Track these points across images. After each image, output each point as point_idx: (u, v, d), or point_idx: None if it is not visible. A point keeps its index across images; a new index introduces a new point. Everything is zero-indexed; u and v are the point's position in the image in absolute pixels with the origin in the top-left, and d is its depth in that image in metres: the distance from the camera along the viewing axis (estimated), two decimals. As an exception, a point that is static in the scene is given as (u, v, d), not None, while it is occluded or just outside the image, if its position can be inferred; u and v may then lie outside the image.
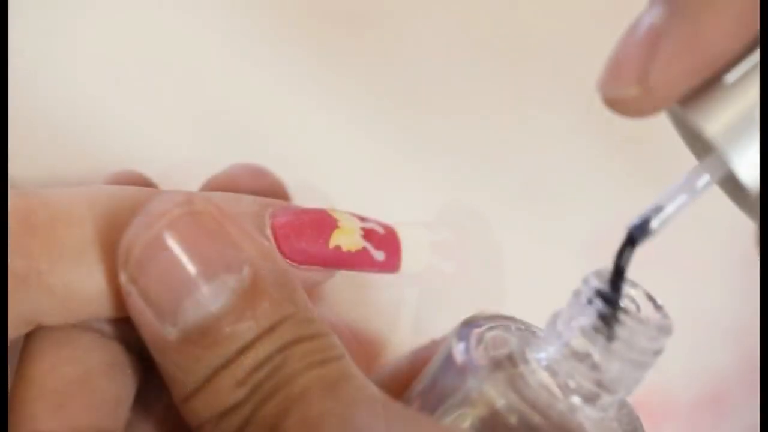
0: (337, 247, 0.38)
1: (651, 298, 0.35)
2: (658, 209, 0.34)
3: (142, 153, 0.65)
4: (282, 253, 0.37)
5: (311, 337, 0.34)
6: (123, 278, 0.33)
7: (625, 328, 0.34)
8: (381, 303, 0.62)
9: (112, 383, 0.35)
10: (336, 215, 0.38)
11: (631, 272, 0.64)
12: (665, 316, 0.35)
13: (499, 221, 0.64)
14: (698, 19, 0.32)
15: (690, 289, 0.63)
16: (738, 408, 0.59)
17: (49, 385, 0.34)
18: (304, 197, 0.45)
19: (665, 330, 0.34)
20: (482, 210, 0.66)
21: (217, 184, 0.40)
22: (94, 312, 0.35)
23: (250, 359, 0.33)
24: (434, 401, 0.35)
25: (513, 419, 0.34)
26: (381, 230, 0.39)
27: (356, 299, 0.61)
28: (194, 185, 0.42)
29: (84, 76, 0.68)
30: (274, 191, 0.41)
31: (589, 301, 0.34)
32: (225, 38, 0.70)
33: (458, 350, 0.35)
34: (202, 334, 0.33)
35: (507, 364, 0.35)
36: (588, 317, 0.34)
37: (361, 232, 0.38)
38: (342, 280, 0.41)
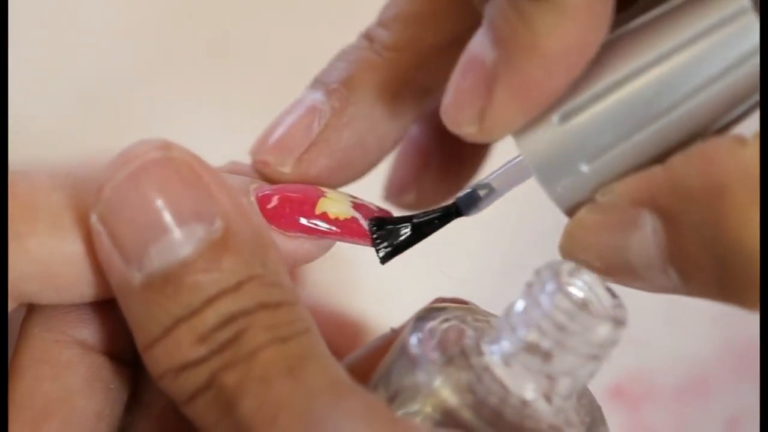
0: (324, 214, 0.37)
1: (607, 288, 0.35)
2: (487, 187, 0.37)
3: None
4: (268, 219, 0.37)
5: (277, 305, 0.33)
6: (93, 218, 0.33)
7: (577, 322, 0.33)
8: (363, 285, 0.62)
9: (93, 400, 0.35)
10: (324, 189, 0.38)
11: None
12: (620, 306, 0.34)
13: (491, 209, 0.64)
14: (526, 66, 0.33)
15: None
16: (721, 393, 0.59)
17: (28, 404, 0.34)
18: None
19: (619, 322, 0.34)
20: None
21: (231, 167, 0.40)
22: (73, 280, 0.34)
23: (211, 315, 0.32)
24: (390, 393, 0.35)
25: (466, 415, 0.34)
26: (373, 208, 0.39)
27: (338, 281, 0.61)
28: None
29: (76, 71, 0.69)
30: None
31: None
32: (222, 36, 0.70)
33: (411, 344, 0.35)
34: (166, 280, 0.32)
35: (460, 359, 0.35)
36: (541, 311, 0.34)
37: (351, 204, 0.38)
38: (323, 262, 0.41)
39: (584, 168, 0.35)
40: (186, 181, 0.33)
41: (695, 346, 0.61)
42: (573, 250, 0.35)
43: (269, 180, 0.39)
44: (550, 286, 0.34)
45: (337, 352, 0.37)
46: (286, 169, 0.39)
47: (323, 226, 0.37)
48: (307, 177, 0.39)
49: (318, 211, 0.37)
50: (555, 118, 0.35)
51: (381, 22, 0.40)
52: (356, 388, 0.33)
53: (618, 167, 0.35)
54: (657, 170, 0.34)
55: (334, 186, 0.40)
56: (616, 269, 0.34)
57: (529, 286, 0.34)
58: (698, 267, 0.33)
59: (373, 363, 0.38)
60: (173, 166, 0.33)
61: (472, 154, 0.44)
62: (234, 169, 0.40)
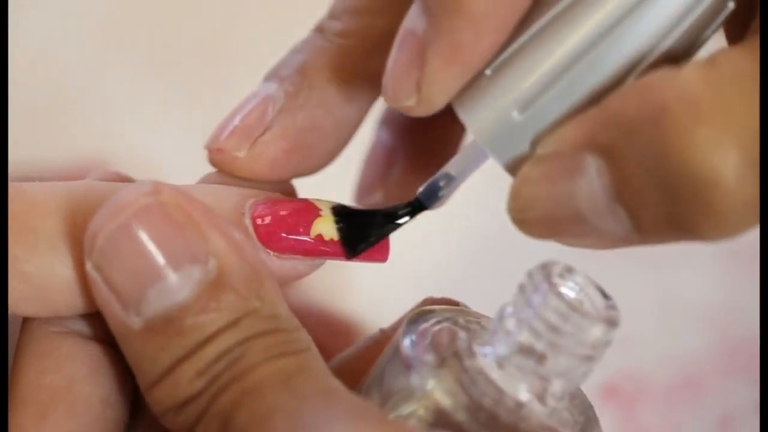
0: (319, 236, 0.37)
1: (600, 289, 0.35)
2: (446, 177, 0.37)
3: (126, 149, 0.66)
4: (262, 242, 0.37)
5: (274, 332, 0.34)
6: (88, 266, 0.33)
7: (570, 323, 0.33)
8: (355, 286, 0.62)
9: (97, 387, 0.35)
10: (319, 205, 0.38)
11: (607, 260, 0.64)
12: (612, 307, 0.34)
13: (481, 210, 0.65)
14: (454, 30, 0.33)
15: (666, 275, 0.63)
16: (713, 392, 0.59)
17: (33, 397, 0.35)
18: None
19: (611, 322, 0.34)
20: (465, 200, 0.66)
21: (214, 178, 0.41)
22: (68, 301, 0.35)
23: (211, 351, 0.33)
24: (383, 396, 0.35)
25: (460, 417, 0.34)
26: None
27: (330, 282, 0.61)
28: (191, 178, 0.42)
29: (70, 70, 0.69)
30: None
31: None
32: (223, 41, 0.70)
33: (404, 346, 0.35)
34: (166, 323, 0.33)
35: (453, 361, 0.35)
36: (533, 312, 0.34)
37: None
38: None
39: (518, 117, 0.34)
40: (178, 225, 0.33)
41: (687, 344, 0.61)
42: (521, 209, 0.34)
43: (223, 168, 0.39)
44: (542, 288, 0.34)
45: (329, 354, 0.37)
46: (241, 154, 0.38)
47: (317, 248, 0.37)
48: (263, 160, 0.38)
49: (313, 233, 0.37)
50: (488, 71, 0.35)
51: (331, 15, 0.41)
52: (349, 394, 0.33)
53: (553, 113, 0.34)
54: (593, 111, 0.33)
55: (297, 173, 0.39)
56: (567, 220, 0.34)
57: (521, 287, 0.34)
58: (646, 200, 0.32)
59: (361, 363, 0.38)
60: (164, 210, 0.33)
61: (439, 152, 0.43)
62: (213, 180, 0.40)
